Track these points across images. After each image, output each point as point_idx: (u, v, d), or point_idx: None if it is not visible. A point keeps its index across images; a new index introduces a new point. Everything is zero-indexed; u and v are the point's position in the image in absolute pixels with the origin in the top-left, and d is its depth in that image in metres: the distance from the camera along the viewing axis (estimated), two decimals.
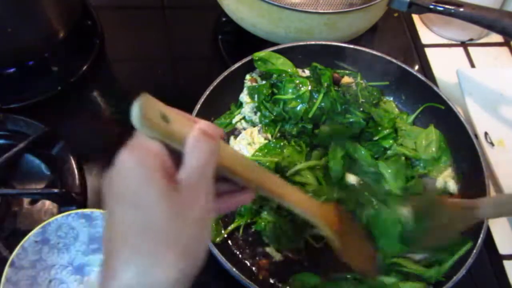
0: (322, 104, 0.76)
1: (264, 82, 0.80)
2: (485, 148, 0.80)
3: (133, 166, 0.35)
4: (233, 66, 0.78)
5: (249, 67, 0.80)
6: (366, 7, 0.80)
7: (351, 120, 0.76)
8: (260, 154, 0.72)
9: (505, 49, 1.01)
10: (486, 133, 0.83)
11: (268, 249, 0.69)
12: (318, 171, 0.73)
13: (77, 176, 0.73)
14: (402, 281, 0.64)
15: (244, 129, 0.79)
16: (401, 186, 0.70)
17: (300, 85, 0.77)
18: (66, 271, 0.65)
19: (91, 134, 0.83)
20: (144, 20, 1.02)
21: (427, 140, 0.77)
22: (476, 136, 0.80)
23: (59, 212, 0.70)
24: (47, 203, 0.73)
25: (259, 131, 0.77)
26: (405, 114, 0.82)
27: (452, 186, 0.75)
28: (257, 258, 0.68)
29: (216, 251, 0.61)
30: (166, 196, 0.35)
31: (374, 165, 0.72)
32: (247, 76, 0.82)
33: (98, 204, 0.73)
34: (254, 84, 0.80)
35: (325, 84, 0.77)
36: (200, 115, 0.72)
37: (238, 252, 0.69)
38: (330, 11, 0.84)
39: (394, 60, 0.81)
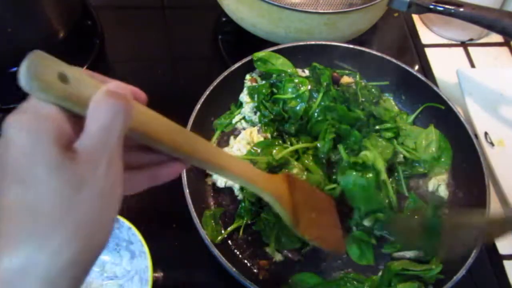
0: (322, 103, 0.76)
1: (264, 82, 0.80)
2: (485, 148, 0.80)
3: (20, 133, 0.30)
4: (233, 66, 0.78)
5: (249, 67, 0.80)
6: (366, 7, 0.80)
7: (354, 116, 0.75)
8: (256, 149, 0.72)
9: (505, 49, 1.01)
10: (486, 133, 0.83)
11: (268, 249, 0.69)
12: (306, 158, 0.73)
13: None
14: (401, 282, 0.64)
15: (244, 129, 0.79)
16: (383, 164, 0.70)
17: (300, 85, 0.77)
18: None
19: None
20: (144, 20, 1.02)
21: (427, 140, 0.77)
22: (476, 136, 0.80)
23: None
24: None
25: (258, 130, 0.77)
26: (405, 114, 0.82)
27: (444, 190, 0.75)
28: (257, 258, 0.68)
29: (216, 251, 0.61)
30: (58, 169, 0.30)
31: (360, 142, 0.72)
32: (247, 76, 0.82)
33: None
34: (254, 84, 0.81)
35: (325, 84, 0.77)
36: (200, 115, 0.73)
37: (238, 252, 0.69)
38: (330, 11, 0.84)
39: (394, 60, 0.81)
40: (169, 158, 0.40)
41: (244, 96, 0.80)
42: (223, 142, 0.79)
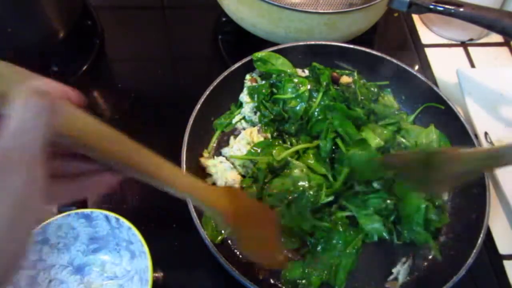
0: (322, 102, 0.76)
1: (264, 82, 0.80)
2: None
3: None
4: (233, 66, 0.78)
5: (249, 67, 0.80)
6: (366, 7, 0.80)
7: (354, 114, 0.75)
8: (256, 149, 0.73)
9: (505, 49, 1.01)
10: (486, 133, 0.83)
11: None
12: (307, 157, 0.73)
13: None
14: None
15: (244, 129, 0.79)
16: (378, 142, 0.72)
17: (300, 85, 0.77)
18: (66, 271, 0.65)
19: None
20: (144, 20, 1.02)
21: (427, 139, 0.77)
22: (476, 136, 0.80)
23: (59, 212, 0.70)
24: None
25: (258, 130, 0.77)
26: (404, 114, 0.82)
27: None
28: None
29: (216, 251, 0.61)
30: None
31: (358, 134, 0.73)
32: (247, 76, 0.82)
33: (98, 204, 0.74)
34: (254, 84, 0.81)
35: (324, 83, 0.77)
36: (200, 115, 0.73)
37: (238, 252, 0.68)
38: (330, 11, 0.84)
39: (394, 60, 0.81)
40: (101, 168, 0.36)
41: (244, 96, 0.80)
42: (223, 142, 0.79)
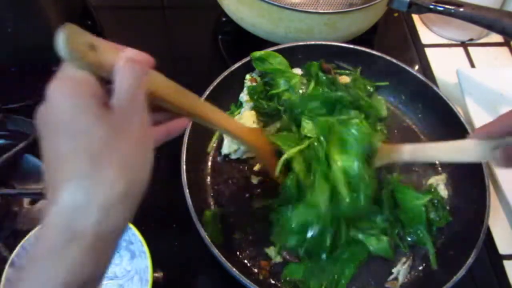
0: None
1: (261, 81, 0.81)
2: None
3: (65, 96, 0.36)
4: (233, 66, 0.78)
5: (249, 67, 0.80)
6: (366, 7, 0.80)
7: (339, 93, 0.74)
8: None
9: (505, 49, 1.01)
10: None
11: (267, 250, 0.69)
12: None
13: None
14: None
15: None
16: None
17: (291, 78, 0.78)
18: None
19: None
20: (144, 20, 1.02)
21: None
22: None
23: None
24: None
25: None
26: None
27: (443, 190, 0.75)
28: (257, 258, 0.68)
29: (216, 251, 0.61)
30: (101, 120, 0.35)
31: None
32: (247, 76, 0.82)
33: None
34: (254, 84, 0.81)
35: (314, 74, 0.78)
36: None
37: (238, 252, 0.69)
38: (330, 11, 0.84)
39: (394, 60, 0.81)
40: (175, 116, 0.47)
41: (244, 96, 0.80)
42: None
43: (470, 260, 0.62)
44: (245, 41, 0.91)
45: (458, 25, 0.93)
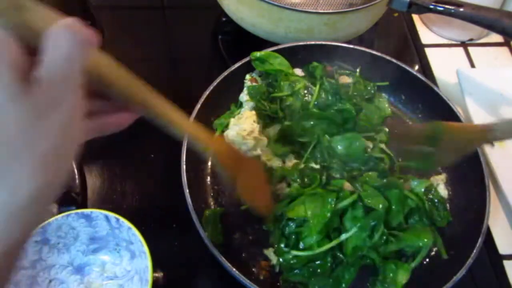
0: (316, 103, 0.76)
1: (263, 82, 0.80)
2: (485, 148, 0.80)
3: None
4: (233, 66, 0.78)
5: (249, 67, 0.80)
6: (366, 7, 0.80)
7: (341, 107, 0.75)
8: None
9: (505, 49, 1.01)
10: None
11: (266, 252, 0.69)
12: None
13: (77, 176, 0.73)
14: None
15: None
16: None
17: (295, 82, 0.78)
18: (66, 271, 0.65)
19: None
20: (144, 20, 1.02)
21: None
22: None
23: (59, 212, 0.69)
24: None
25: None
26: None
27: (443, 190, 0.74)
28: (257, 258, 0.68)
29: (216, 251, 0.61)
30: (18, 99, 0.28)
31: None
32: (247, 76, 0.82)
33: (98, 204, 0.74)
34: (254, 84, 0.80)
35: (319, 77, 0.78)
36: (200, 115, 0.73)
37: (238, 252, 0.69)
38: (330, 11, 0.84)
39: (394, 60, 0.81)
40: (118, 107, 0.39)
41: (244, 96, 0.80)
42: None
43: (470, 260, 0.62)
44: (245, 41, 0.91)
45: (458, 25, 0.93)
